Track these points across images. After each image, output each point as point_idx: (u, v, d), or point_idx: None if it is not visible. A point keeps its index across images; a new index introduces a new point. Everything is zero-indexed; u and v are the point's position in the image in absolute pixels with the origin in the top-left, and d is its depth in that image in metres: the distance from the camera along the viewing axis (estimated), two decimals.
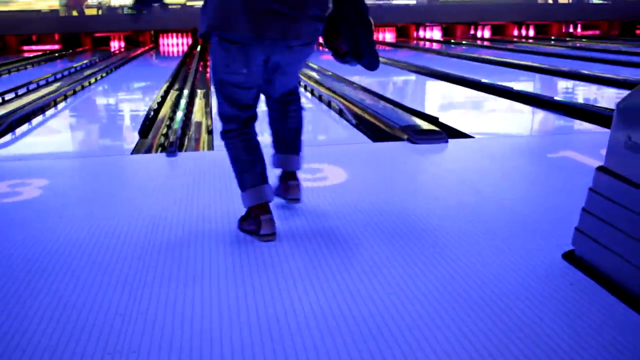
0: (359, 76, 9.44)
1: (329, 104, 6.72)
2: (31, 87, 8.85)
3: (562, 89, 8.56)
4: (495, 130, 5.91)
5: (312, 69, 9.85)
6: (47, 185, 3.61)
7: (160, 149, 4.88)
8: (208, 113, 6.21)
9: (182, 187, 3.48)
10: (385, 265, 2.36)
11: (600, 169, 2.31)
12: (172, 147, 4.41)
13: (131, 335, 1.88)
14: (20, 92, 8.32)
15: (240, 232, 2.75)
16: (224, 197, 3.22)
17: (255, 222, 2.66)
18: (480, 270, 2.30)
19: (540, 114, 6.46)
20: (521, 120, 6.57)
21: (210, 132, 5.37)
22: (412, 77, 10.23)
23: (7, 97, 7.82)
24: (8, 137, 5.66)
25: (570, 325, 1.90)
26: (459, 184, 3.52)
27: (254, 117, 2.76)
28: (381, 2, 19.76)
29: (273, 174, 2.96)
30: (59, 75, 10.40)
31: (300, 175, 3.64)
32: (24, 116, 6.35)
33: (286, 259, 2.44)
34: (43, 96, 7.67)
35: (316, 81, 8.67)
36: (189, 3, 18.48)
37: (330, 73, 9.68)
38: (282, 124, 2.96)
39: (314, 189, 3.42)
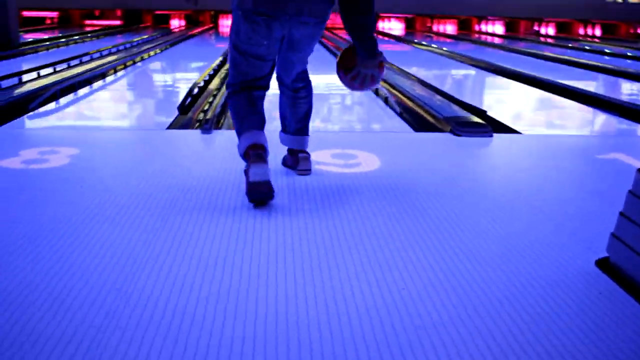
0: (416, 67, 9.25)
1: (376, 92, 6.56)
2: (85, 59, 8.93)
3: (627, 90, 8.18)
4: (546, 129, 5.67)
5: None
6: (76, 154, 3.59)
7: (197, 124, 4.81)
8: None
9: (209, 164, 3.40)
10: (402, 258, 2.22)
11: None
12: (208, 125, 4.34)
13: (122, 311, 1.80)
14: (72, 63, 8.40)
15: (254, 209, 2.67)
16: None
17: (248, 163, 2.76)
18: (503, 271, 2.14)
19: (599, 115, 6.15)
20: (576, 119, 6.29)
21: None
22: (470, 71, 9.96)
23: (59, 67, 7.90)
24: (51, 106, 5.69)
25: (588, 335, 1.73)
26: (497, 179, 3.35)
27: (266, 86, 2.97)
28: None
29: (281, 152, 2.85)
30: (113, 50, 10.49)
31: (334, 160, 3.54)
32: (70, 86, 6.38)
33: (299, 241, 2.33)
34: (93, 68, 7.72)
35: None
36: None
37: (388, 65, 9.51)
38: (292, 108, 3.17)
39: (345, 174, 3.30)
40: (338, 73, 2.98)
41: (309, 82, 3.18)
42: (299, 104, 3.16)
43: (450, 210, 2.75)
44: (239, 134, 2.88)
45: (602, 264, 2.22)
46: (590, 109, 6.33)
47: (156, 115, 5.96)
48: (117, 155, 3.73)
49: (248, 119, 2.86)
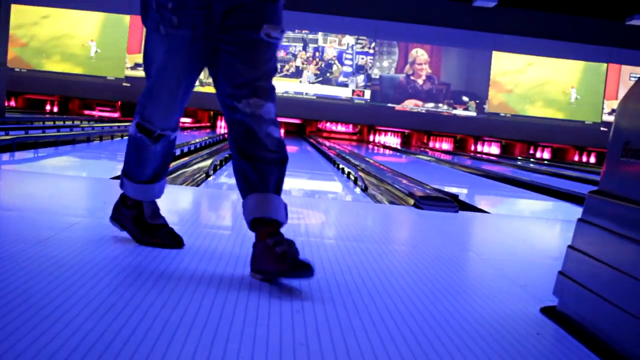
0: (403, 168, 9.06)
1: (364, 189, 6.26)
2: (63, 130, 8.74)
3: None
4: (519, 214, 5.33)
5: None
6: None
7: None
8: (215, 167, 5.81)
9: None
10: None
11: (593, 192, 1.77)
12: None
13: None
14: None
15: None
16: None
17: None
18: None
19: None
20: (555, 212, 5.94)
21: (207, 175, 4.98)
22: (456, 172, 9.74)
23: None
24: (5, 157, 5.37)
25: None
26: (447, 242, 2.99)
27: None
28: (441, 110, 19.59)
29: None
30: (97, 128, 10.34)
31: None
32: (31, 143, 6.11)
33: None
34: (64, 135, 7.48)
35: (364, 171, 8.26)
36: None
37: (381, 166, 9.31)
38: None
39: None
40: None
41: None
42: None
43: (388, 262, 2.39)
44: None
45: (548, 311, 1.83)
46: (574, 206, 6.01)
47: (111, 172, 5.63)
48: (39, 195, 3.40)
49: None
